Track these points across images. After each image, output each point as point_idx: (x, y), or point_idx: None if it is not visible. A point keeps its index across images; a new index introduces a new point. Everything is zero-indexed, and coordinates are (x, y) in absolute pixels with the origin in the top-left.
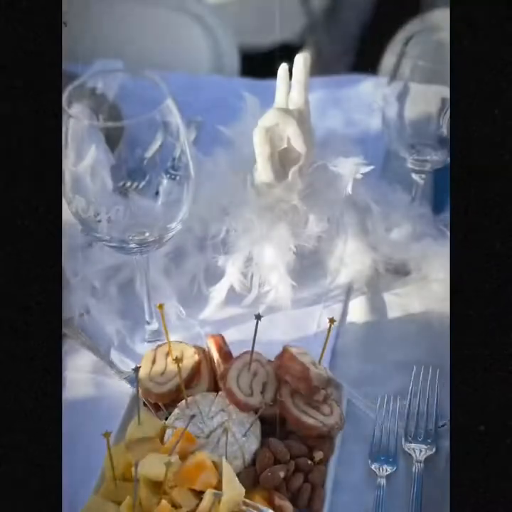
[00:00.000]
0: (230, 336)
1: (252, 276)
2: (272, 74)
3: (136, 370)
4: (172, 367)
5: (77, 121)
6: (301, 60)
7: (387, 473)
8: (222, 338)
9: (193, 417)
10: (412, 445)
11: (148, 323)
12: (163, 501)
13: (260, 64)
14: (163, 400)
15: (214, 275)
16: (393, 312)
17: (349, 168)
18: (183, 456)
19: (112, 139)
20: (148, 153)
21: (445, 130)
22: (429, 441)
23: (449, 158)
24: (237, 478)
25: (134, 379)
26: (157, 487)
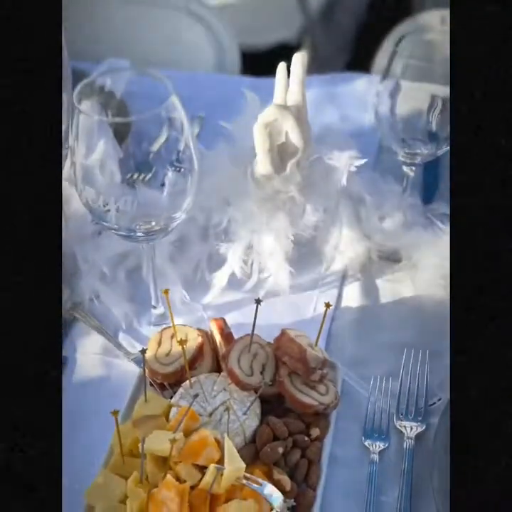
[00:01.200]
0: (232, 319)
1: (252, 263)
2: (271, 72)
3: (143, 351)
4: (177, 349)
5: (87, 116)
6: (299, 59)
7: (380, 449)
8: (224, 321)
9: (196, 396)
10: (404, 422)
11: (154, 307)
12: (168, 476)
13: (260, 63)
14: (168, 380)
15: (216, 262)
16: (385, 297)
17: (344, 161)
18: (187, 433)
19: (120, 134)
20: (155, 147)
21: (434, 125)
22: (419, 418)
23: (438, 152)
24: (238, 454)
25: (140, 360)
26: (163, 462)
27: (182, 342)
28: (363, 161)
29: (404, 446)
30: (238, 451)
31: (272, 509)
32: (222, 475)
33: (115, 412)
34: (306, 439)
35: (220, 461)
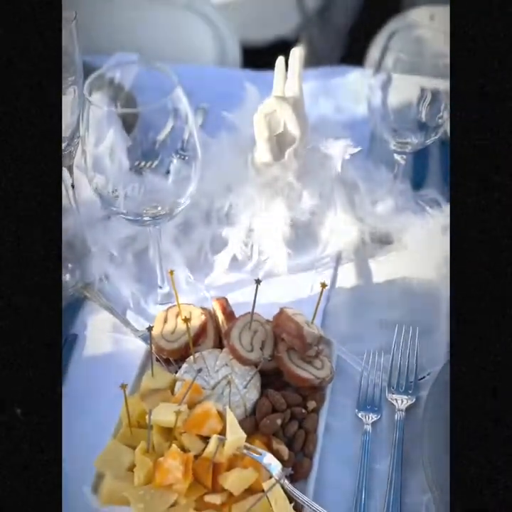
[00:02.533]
0: (233, 298)
1: (252, 246)
2: (270, 66)
3: (150, 329)
4: (181, 326)
5: (97, 107)
6: (296, 54)
7: (373, 420)
8: (226, 300)
9: (200, 370)
10: (395, 395)
11: (160, 287)
12: (174, 446)
13: (260, 57)
14: (173, 356)
15: (219, 244)
16: (377, 277)
17: (338, 150)
18: (191, 406)
19: (128, 124)
20: (161, 136)
21: (424, 116)
22: (409, 392)
23: (427, 141)
24: (239, 425)
25: (147, 337)
26: (168, 433)
27: (186, 320)
28: (356, 150)
29: (396, 417)
30: (239, 423)
31: (270, 477)
32: (224, 445)
33: (123, 386)
34: (303, 411)
35: (222, 432)
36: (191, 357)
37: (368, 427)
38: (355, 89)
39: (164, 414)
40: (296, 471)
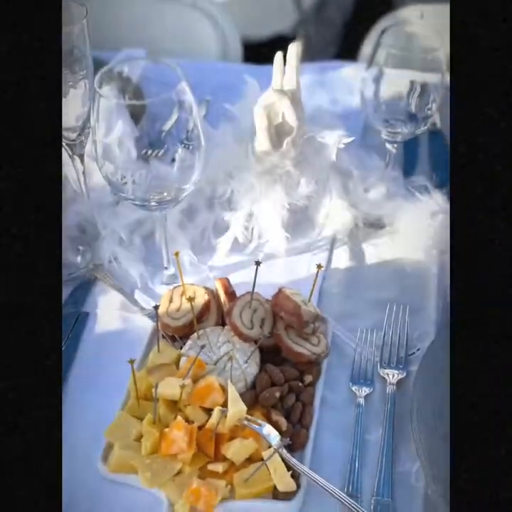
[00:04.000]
0: (234, 279)
1: (252, 229)
2: (270, 60)
3: (156, 307)
4: (186, 305)
5: (106, 100)
6: (294, 49)
7: (365, 393)
8: (228, 280)
9: (203, 347)
10: (386, 370)
11: (166, 268)
12: (179, 417)
13: (260, 52)
14: (178, 333)
15: (221, 228)
16: (370, 259)
17: (333, 139)
18: (195, 380)
19: (136, 115)
20: (166, 127)
21: (413, 107)
22: (400, 367)
23: (417, 131)
24: (240, 398)
25: (154, 315)
26: (173, 405)
27: (190, 299)
28: (350, 139)
29: (387, 391)
30: (240, 396)
31: (270, 447)
32: (226, 417)
33: (131, 361)
34: (300, 384)
35: (224, 405)
36: (195, 334)
37: (361, 400)
38: (349, 82)
39: (170, 387)
40: (294, 442)
